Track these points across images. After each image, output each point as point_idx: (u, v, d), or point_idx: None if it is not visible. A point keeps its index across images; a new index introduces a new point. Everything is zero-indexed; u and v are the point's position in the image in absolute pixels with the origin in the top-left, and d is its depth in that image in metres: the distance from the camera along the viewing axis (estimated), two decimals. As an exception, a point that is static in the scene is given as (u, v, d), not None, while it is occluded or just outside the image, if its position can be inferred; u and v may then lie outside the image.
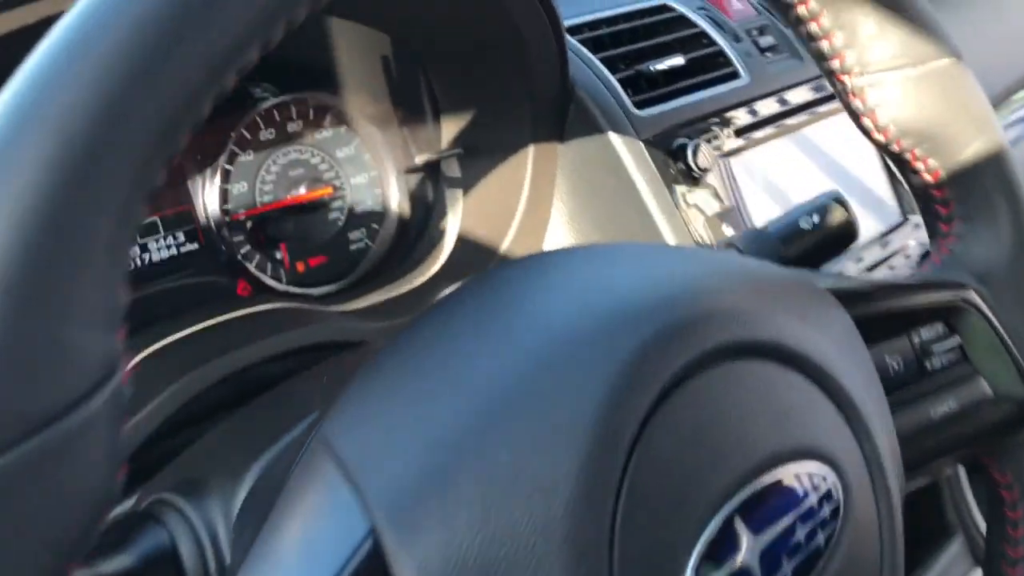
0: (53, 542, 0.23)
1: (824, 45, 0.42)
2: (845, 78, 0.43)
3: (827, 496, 0.34)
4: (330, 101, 0.76)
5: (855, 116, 0.44)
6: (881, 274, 0.68)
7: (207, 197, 0.70)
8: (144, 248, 0.68)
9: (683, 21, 0.82)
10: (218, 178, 0.70)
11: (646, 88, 0.75)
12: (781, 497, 0.32)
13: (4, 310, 0.22)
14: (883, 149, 0.46)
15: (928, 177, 0.46)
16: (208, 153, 0.70)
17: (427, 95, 0.78)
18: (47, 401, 0.22)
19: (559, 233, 0.75)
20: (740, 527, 0.31)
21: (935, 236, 0.48)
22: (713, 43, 0.81)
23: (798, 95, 0.83)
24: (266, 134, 0.74)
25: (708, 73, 0.79)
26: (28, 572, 0.23)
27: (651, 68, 0.75)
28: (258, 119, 0.73)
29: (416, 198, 0.80)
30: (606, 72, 0.73)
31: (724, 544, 0.30)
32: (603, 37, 0.77)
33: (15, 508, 0.22)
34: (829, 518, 0.34)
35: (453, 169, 0.78)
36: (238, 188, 0.72)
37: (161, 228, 0.69)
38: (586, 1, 0.80)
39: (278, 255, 0.74)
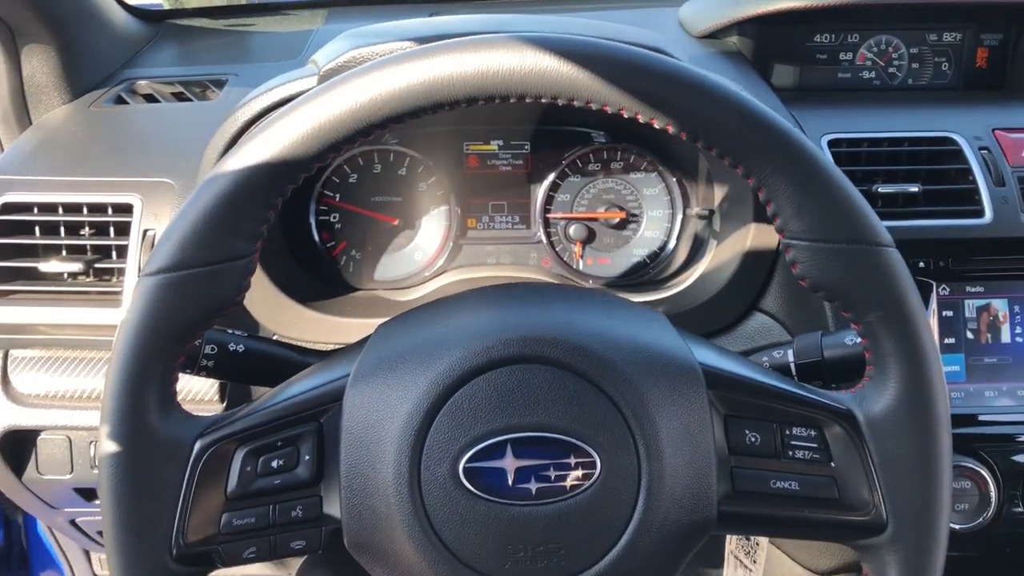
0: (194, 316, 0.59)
1: (768, 209, 0.60)
2: (780, 235, 0.60)
3: (588, 467, 0.57)
4: (647, 154, 1.05)
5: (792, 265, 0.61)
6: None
7: (538, 197, 1.06)
8: (492, 219, 1.06)
9: (956, 156, 0.92)
10: (547, 188, 1.05)
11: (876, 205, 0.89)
12: (548, 448, 0.57)
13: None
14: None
15: (854, 324, 0.61)
16: (550, 170, 1.05)
17: (705, 167, 1.01)
18: (221, 252, 0.58)
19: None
20: (508, 449, 0.57)
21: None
22: (968, 178, 0.90)
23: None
24: (593, 166, 1.05)
25: (948, 205, 0.89)
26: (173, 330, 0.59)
27: (876, 190, 0.88)
28: (590, 154, 1.05)
29: (688, 235, 1.05)
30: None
31: (493, 454, 0.57)
32: (861, 153, 0.92)
33: (182, 298, 0.59)
34: (581, 479, 0.57)
35: (716, 223, 1.01)
36: (561, 197, 1.06)
37: (506, 209, 1.07)
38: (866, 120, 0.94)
39: (574, 248, 1.06)
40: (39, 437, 0.97)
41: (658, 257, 1.06)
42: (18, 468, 1.00)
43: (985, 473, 0.85)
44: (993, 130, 0.94)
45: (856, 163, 0.93)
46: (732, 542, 0.86)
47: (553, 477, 0.57)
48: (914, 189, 0.89)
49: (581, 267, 1.07)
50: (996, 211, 0.89)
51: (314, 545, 0.60)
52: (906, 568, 0.59)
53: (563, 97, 0.57)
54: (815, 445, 0.61)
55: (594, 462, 0.57)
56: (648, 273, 1.06)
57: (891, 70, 1.22)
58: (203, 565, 0.59)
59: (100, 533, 1.12)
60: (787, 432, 0.61)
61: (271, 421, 0.61)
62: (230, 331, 0.74)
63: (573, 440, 0.57)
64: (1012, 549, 0.87)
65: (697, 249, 1.04)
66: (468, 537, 0.57)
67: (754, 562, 0.83)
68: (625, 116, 0.57)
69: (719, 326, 0.94)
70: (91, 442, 0.96)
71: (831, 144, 0.93)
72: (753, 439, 0.61)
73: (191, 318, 0.57)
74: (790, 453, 0.61)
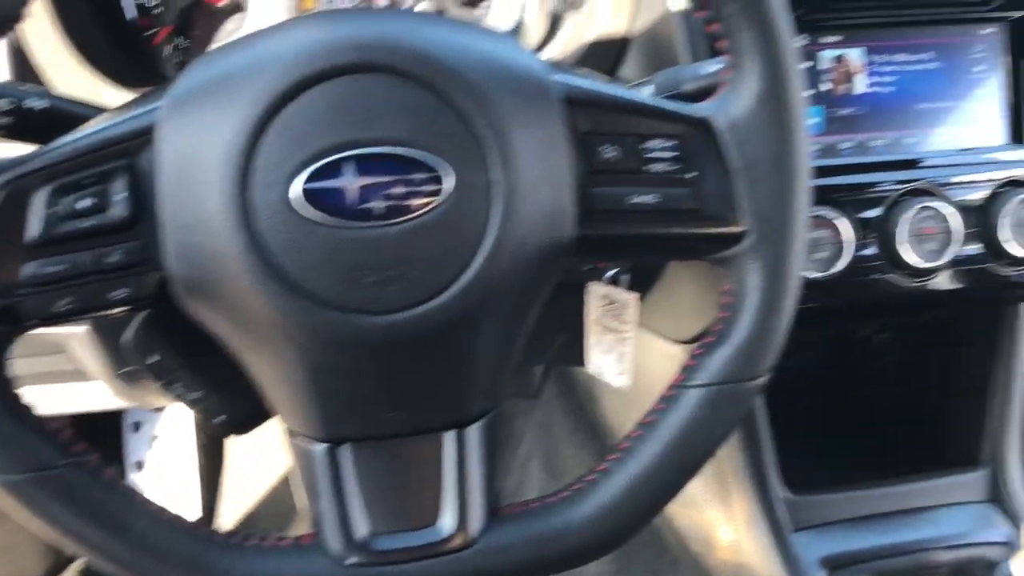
0: None
1: None
2: None
3: (436, 182, 0.52)
4: None
5: None
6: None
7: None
8: None
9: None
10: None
11: None
12: (392, 164, 0.52)
13: None
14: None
15: (714, 27, 0.57)
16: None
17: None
18: None
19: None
20: (347, 167, 0.52)
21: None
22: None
23: None
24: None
25: None
26: None
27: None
28: None
29: (548, 14, 0.99)
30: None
31: (331, 173, 0.51)
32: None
33: None
34: (429, 195, 0.52)
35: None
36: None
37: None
38: None
39: None
40: None
41: (514, 35, 1.00)
42: None
43: (839, 222, 0.85)
44: None
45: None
46: (593, 311, 0.85)
47: (398, 195, 0.52)
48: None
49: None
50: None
51: (139, 293, 0.54)
52: (767, 273, 0.59)
53: None
54: (675, 154, 0.58)
55: (441, 177, 0.53)
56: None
57: None
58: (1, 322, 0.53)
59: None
60: (646, 145, 0.58)
61: (74, 157, 0.53)
62: (26, 86, 0.64)
63: (419, 154, 0.52)
64: (860, 294, 0.89)
65: (554, 26, 0.99)
66: (309, 265, 0.52)
67: (624, 323, 0.82)
68: None
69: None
70: None
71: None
72: (612, 154, 0.58)
73: None
74: (648, 167, 0.58)
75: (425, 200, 0.52)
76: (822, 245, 0.85)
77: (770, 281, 0.59)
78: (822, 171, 0.87)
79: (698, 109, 0.58)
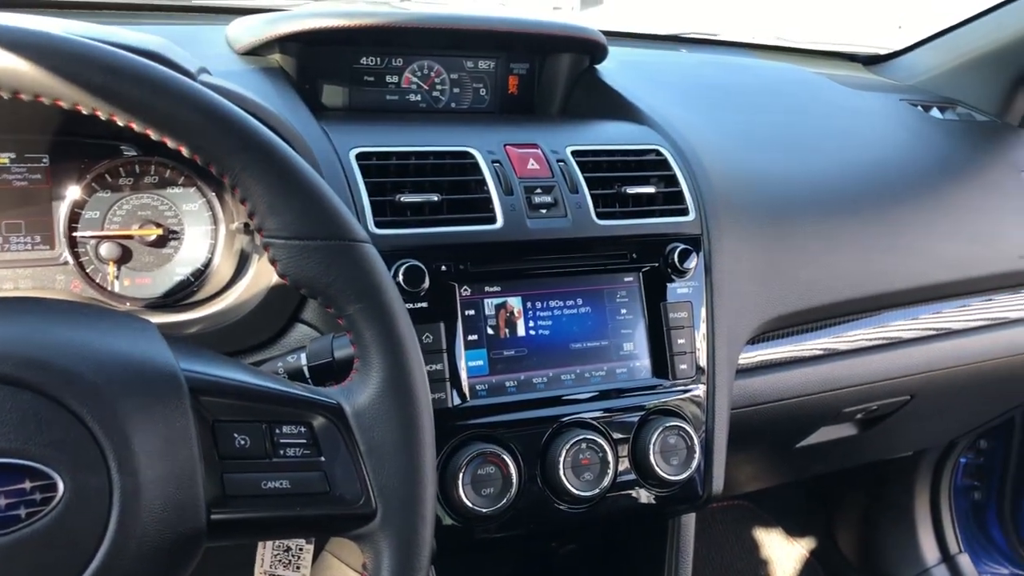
0: None
1: (245, 207, 0.60)
2: (258, 235, 0.61)
3: (48, 489, 0.52)
4: (183, 168, 1.01)
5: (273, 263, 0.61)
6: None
7: (61, 215, 0.97)
8: (7, 240, 0.96)
9: (474, 168, 1.00)
10: (71, 204, 0.97)
11: (393, 213, 0.94)
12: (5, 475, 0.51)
13: None
14: None
15: (338, 319, 0.63)
16: (74, 184, 0.97)
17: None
18: None
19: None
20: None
21: None
22: (483, 188, 0.98)
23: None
24: (124, 180, 0.99)
25: (467, 213, 0.96)
26: None
27: (400, 199, 0.94)
28: (120, 168, 0.99)
29: (233, 251, 1.03)
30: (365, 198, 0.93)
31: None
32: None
33: None
34: (39, 504, 0.52)
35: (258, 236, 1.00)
36: (90, 215, 0.98)
37: (24, 229, 0.97)
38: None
39: (108, 269, 0.99)
40: None
41: (202, 275, 1.02)
42: None
43: (507, 457, 0.92)
44: (504, 145, 1.04)
45: (386, 175, 0.97)
46: (264, 561, 0.85)
47: (5, 505, 0.52)
48: (436, 199, 0.95)
49: (117, 289, 0.99)
50: (506, 217, 0.97)
51: None
52: (397, 548, 0.62)
53: (6, 89, 0.53)
54: (305, 441, 0.62)
55: (55, 484, 0.53)
56: (194, 292, 1.02)
57: (435, 93, 1.30)
58: None
59: None
60: (277, 431, 0.61)
61: None
62: None
63: (27, 463, 0.52)
64: (534, 523, 0.95)
65: (243, 264, 1.02)
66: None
67: (297, 569, 0.83)
68: (84, 112, 0.54)
69: (258, 340, 0.93)
70: None
71: (360, 156, 0.97)
72: (243, 442, 0.60)
73: None
74: (281, 452, 0.61)
75: (36, 509, 0.52)
76: (491, 481, 0.91)
77: (402, 555, 0.62)
78: (488, 409, 0.94)
79: (327, 395, 0.63)
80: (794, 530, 2.16)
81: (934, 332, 1.28)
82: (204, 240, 1.02)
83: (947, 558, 1.99)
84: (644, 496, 1.00)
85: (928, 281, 1.26)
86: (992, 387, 1.47)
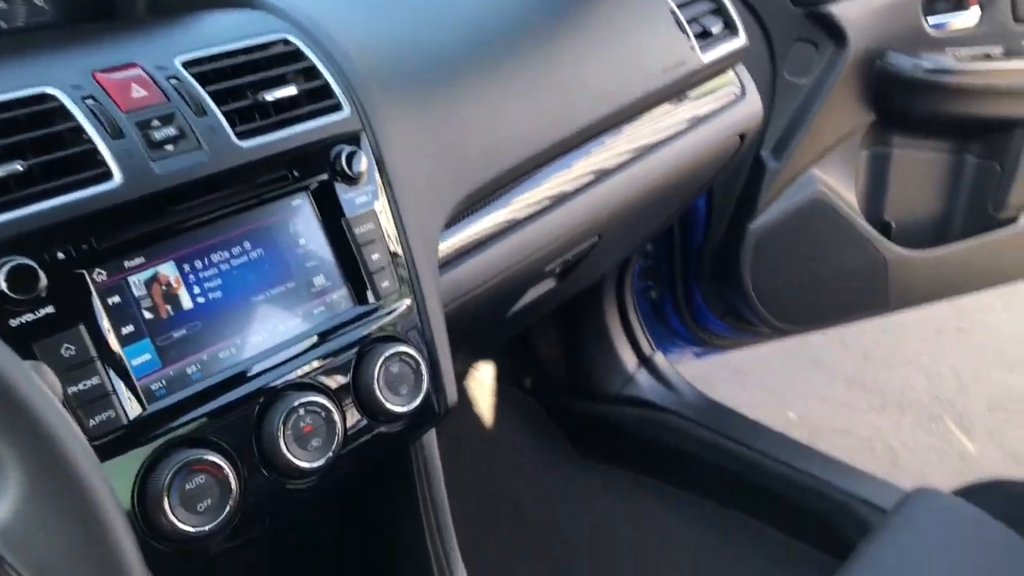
0: None
1: None
2: None
3: None
4: None
5: None
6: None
7: None
8: None
9: (62, 114, 0.76)
10: None
11: None
12: None
13: None
14: None
15: None
16: None
17: None
18: None
19: None
20: None
21: None
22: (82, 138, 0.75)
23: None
24: None
25: (71, 176, 0.73)
26: None
27: None
28: None
29: None
30: None
31: None
32: None
33: None
34: None
35: None
36: None
37: None
38: None
39: None
40: None
41: None
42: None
43: (216, 457, 0.75)
44: (93, 72, 0.80)
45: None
46: None
47: None
48: (20, 167, 0.71)
49: None
50: (123, 168, 0.75)
51: None
52: None
53: None
54: None
55: None
56: None
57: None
58: None
59: None
60: None
61: None
62: None
63: None
64: (270, 517, 0.81)
65: None
66: None
67: None
68: None
69: None
70: None
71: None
72: None
73: None
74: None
75: None
76: (205, 491, 0.74)
77: None
78: (175, 410, 0.76)
79: None
80: (506, 374, 2.20)
81: (610, 168, 1.26)
82: None
83: (644, 360, 2.14)
84: (382, 438, 0.89)
85: (593, 117, 1.22)
86: (664, 203, 1.52)
